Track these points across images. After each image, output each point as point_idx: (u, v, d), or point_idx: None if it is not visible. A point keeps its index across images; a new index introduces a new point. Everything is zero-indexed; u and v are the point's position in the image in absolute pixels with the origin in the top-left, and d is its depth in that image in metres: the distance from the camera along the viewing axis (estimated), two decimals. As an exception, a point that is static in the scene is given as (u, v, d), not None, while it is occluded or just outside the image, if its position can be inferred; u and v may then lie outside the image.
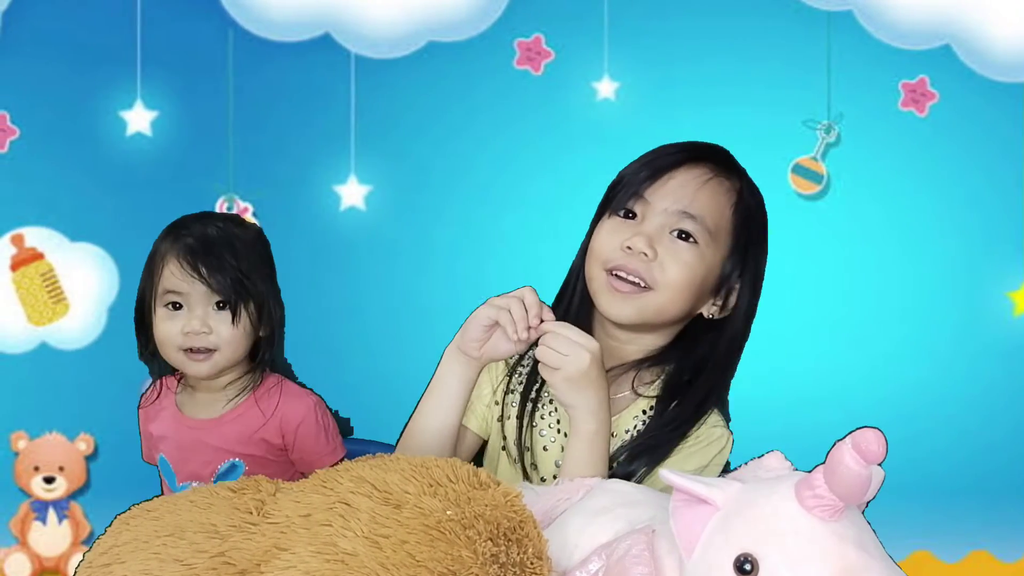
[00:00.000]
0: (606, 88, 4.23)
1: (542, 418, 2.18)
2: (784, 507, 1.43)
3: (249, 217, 4.22)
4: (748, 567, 1.41)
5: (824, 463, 1.39)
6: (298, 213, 4.27)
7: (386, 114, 4.23)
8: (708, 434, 2.14)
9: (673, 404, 2.14)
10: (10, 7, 4.26)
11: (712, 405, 2.18)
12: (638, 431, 2.13)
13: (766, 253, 2.22)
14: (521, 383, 2.21)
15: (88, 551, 1.73)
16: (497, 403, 2.21)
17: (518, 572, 1.53)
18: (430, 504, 1.57)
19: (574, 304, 2.22)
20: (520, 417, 2.17)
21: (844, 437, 1.36)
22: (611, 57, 4.22)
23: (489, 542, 1.53)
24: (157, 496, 1.80)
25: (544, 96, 4.23)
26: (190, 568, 1.59)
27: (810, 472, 1.42)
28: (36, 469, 4.19)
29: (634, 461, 2.08)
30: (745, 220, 2.17)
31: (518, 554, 1.54)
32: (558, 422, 2.17)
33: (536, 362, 2.09)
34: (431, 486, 1.60)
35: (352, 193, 4.23)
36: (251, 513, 1.66)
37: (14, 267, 4.26)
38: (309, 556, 1.53)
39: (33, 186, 4.29)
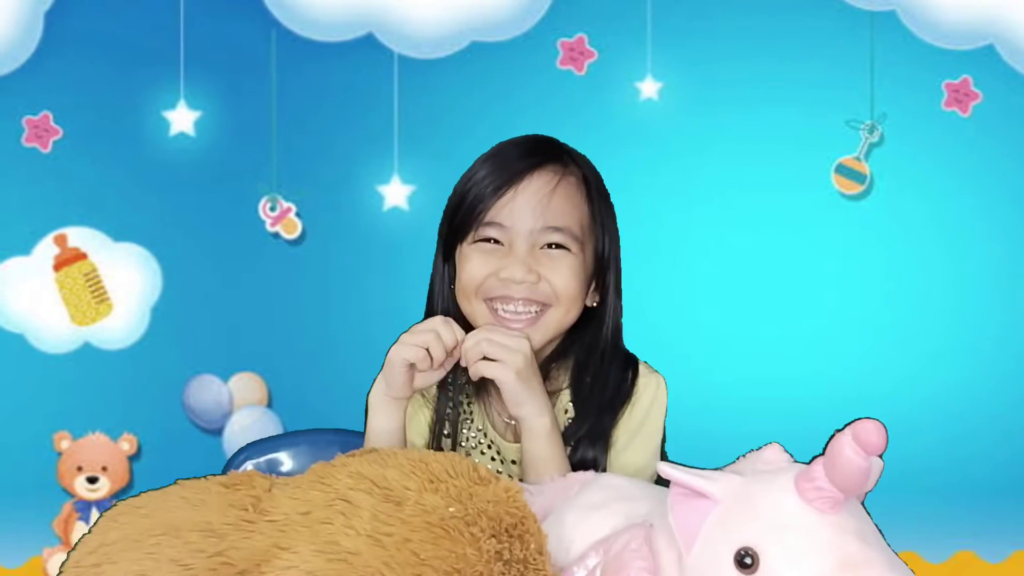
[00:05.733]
0: (649, 88, 4.23)
1: (472, 444, 2.17)
2: (784, 500, 1.42)
3: (292, 217, 4.23)
4: (749, 561, 1.40)
5: (823, 455, 1.38)
6: (341, 213, 4.27)
7: (429, 114, 4.24)
8: (639, 386, 2.14)
9: (590, 387, 2.13)
10: (53, 7, 4.27)
11: (624, 369, 2.16)
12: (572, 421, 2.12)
13: (614, 212, 2.20)
14: (449, 407, 2.18)
15: (73, 550, 1.68)
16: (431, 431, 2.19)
17: (521, 568, 1.52)
18: (432, 501, 1.55)
19: None
20: (453, 434, 2.16)
21: (844, 428, 1.35)
22: (654, 57, 4.21)
23: (493, 539, 1.52)
24: (144, 492, 1.74)
25: (587, 96, 4.23)
26: (188, 568, 1.55)
27: (809, 464, 1.42)
28: (79, 469, 4.20)
29: (590, 448, 2.08)
30: (598, 202, 2.14)
31: (521, 550, 1.53)
32: (490, 445, 2.16)
33: (463, 381, 2.10)
34: (431, 482, 1.59)
35: (395, 193, 4.23)
36: (247, 510, 1.62)
37: (57, 267, 4.27)
38: (311, 555, 1.51)
39: (76, 186, 4.30)
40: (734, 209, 4.23)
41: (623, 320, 2.22)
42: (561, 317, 2.09)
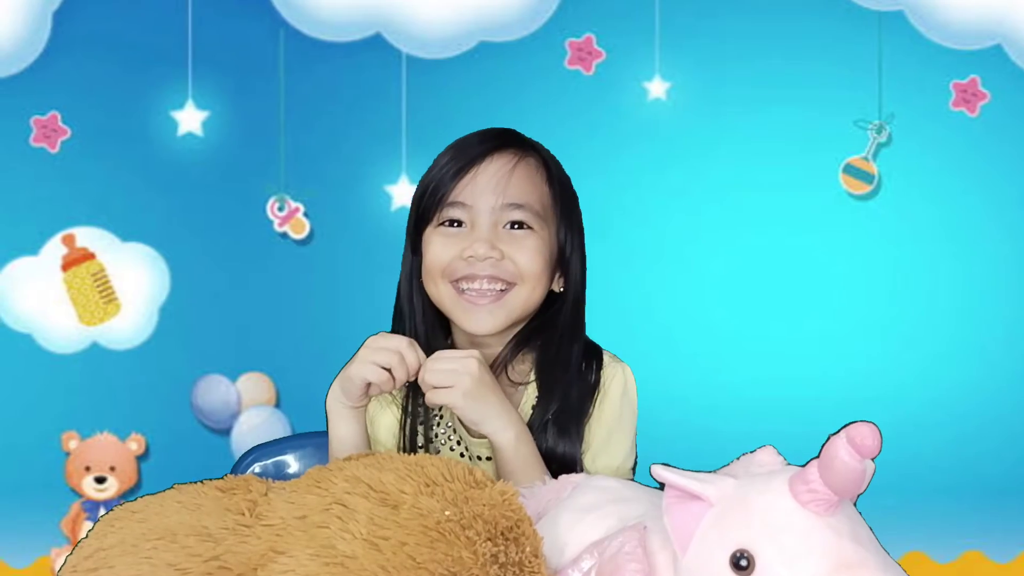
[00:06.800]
0: (657, 88, 4.23)
1: (441, 441, 2.17)
2: (779, 502, 1.42)
3: (300, 217, 4.23)
4: (744, 563, 1.40)
5: (818, 457, 1.39)
6: (349, 213, 4.28)
7: (437, 114, 4.24)
8: (604, 377, 2.13)
9: (551, 367, 2.12)
10: (61, 7, 4.28)
11: (588, 358, 2.14)
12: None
13: (577, 202, 2.20)
14: (420, 404, 2.18)
15: (70, 554, 1.67)
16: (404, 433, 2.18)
17: (517, 571, 1.52)
18: (428, 504, 1.55)
19: (420, 328, 2.17)
20: (425, 431, 2.15)
21: (838, 431, 1.36)
22: (662, 57, 4.22)
23: (488, 542, 1.52)
24: (141, 496, 1.74)
25: (595, 96, 4.23)
26: (184, 573, 1.55)
27: (804, 467, 1.42)
28: (87, 469, 4.20)
29: (564, 443, 2.07)
30: (560, 188, 2.14)
31: (516, 553, 1.53)
32: (459, 441, 2.16)
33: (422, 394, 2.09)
34: (427, 485, 1.59)
35: (403, 193, 4.22)
36: (243, 515, 1.62)
37: (65, 267, 4.28)
38: (307, 559, 1.51)
39: (84, 186, 4.30)
40: (742, 209, 4.23)
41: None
42: (527, 295, 2.09)
